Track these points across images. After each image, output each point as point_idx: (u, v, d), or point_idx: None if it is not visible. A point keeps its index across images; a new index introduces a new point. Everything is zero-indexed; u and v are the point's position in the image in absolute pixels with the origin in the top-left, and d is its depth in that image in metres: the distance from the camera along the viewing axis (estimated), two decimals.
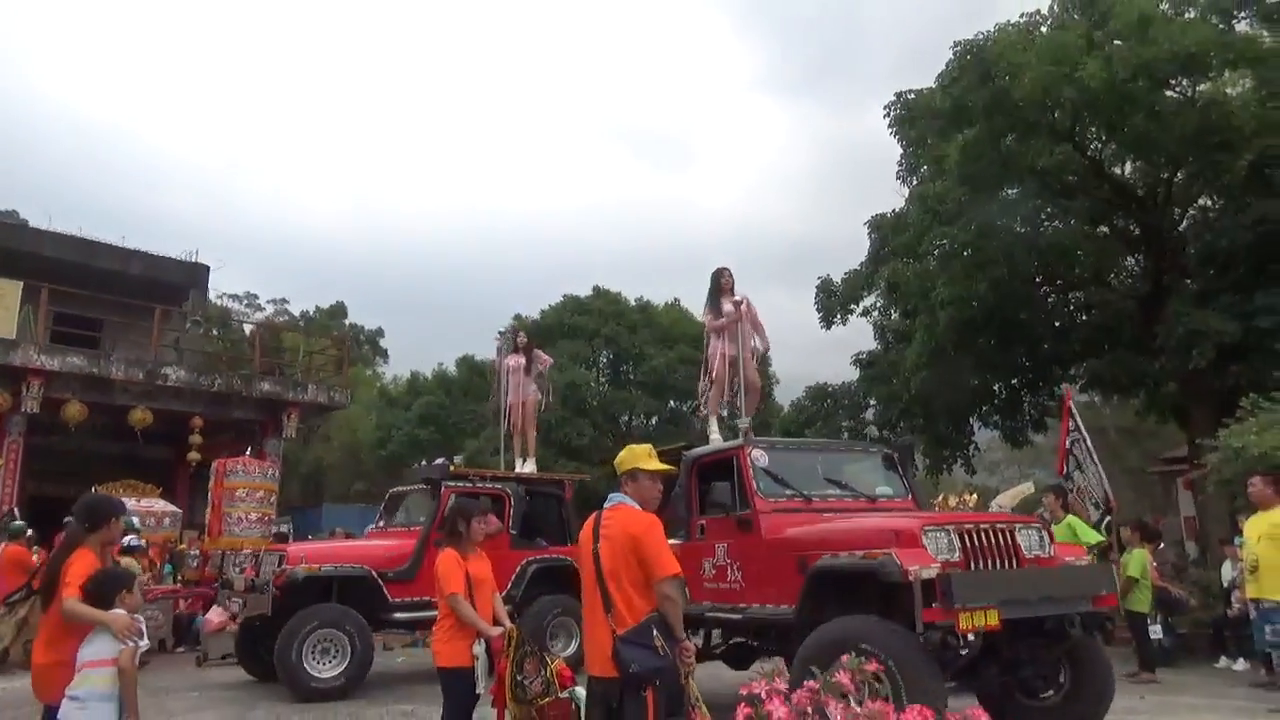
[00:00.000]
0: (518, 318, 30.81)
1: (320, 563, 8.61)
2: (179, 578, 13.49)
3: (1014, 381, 17.93)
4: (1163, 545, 12.24)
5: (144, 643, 3.70)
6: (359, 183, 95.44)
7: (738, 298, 8.33)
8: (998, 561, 5.37)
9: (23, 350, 14.92)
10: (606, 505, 3.77)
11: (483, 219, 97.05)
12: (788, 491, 6.48)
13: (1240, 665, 9.48)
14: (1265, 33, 12.71)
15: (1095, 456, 10.76)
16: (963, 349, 15.71)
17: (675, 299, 31.16)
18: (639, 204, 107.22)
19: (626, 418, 29.41)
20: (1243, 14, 12.92)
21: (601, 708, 3.48)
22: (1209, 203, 15.17)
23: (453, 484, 9.37)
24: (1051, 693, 5.75)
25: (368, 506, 26.73)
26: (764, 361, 30.49)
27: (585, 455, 25.33)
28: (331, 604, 8.46)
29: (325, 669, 8.13)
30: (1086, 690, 5.63)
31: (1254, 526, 7.44)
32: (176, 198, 70.96)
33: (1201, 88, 13.08)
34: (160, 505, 15.75)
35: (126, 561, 6.04)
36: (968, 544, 5.32)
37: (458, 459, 22.14)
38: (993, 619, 4.92)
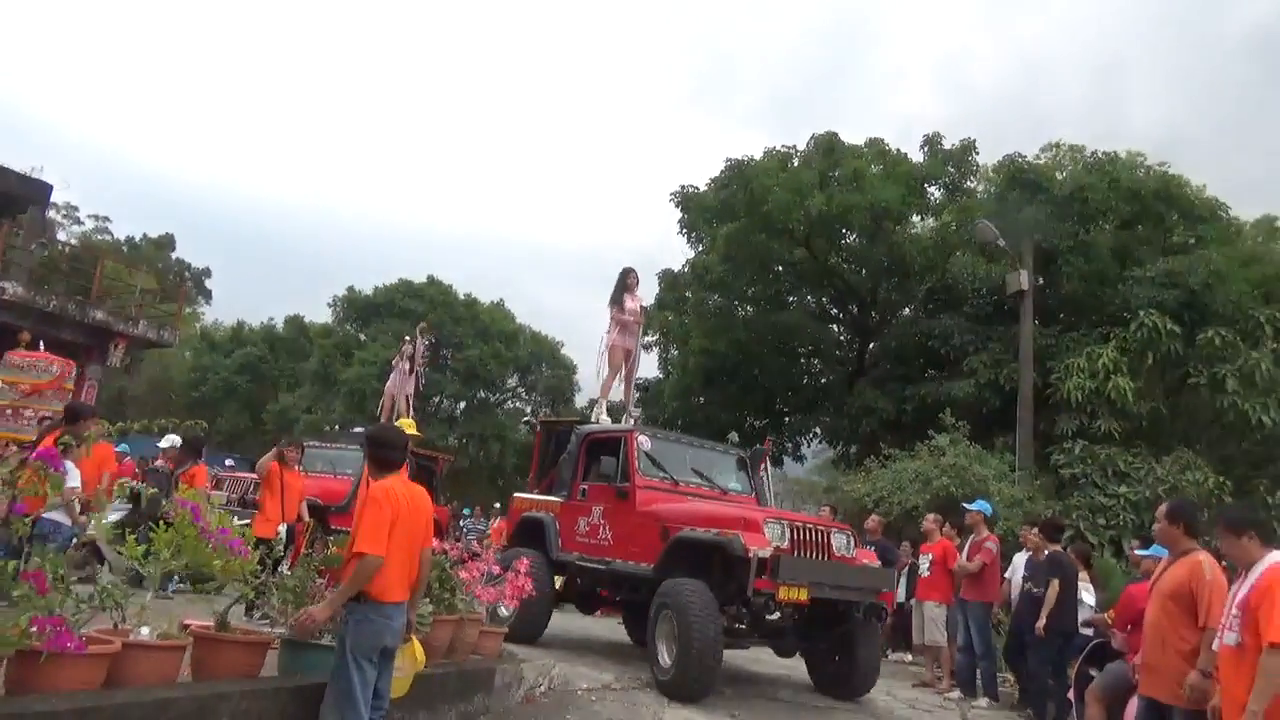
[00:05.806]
0: (350, 289, 32.64)
1: None
2: None
3: (757, 423, 22.21)
4: None
5: None
6: (206, 114, 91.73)
7: (640, 298, 9.23)
8: (815, 554, 6.67)
9: None
10: None
11: (335, 184, 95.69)
12: (661, 474, 7.70)
13: None
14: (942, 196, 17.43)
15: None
16: (710, 389, 19.70)
17: (500, 299, 33.96)
18: (491, 198, 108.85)
19: (437, 399, 31.88)
20: (933, 183, 17.60)
21: None
22: (906, 312, 19.97)
23: None
24: (830, 665, 7.32)
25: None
26: (571, 367, 33.78)
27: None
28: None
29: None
30: (852, 670, 7.12)
31: None
32: None
33: (899, 228, 17.65)
34: None
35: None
36: (795, 536, 6.58)
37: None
38: (803, 595, 6.22)
